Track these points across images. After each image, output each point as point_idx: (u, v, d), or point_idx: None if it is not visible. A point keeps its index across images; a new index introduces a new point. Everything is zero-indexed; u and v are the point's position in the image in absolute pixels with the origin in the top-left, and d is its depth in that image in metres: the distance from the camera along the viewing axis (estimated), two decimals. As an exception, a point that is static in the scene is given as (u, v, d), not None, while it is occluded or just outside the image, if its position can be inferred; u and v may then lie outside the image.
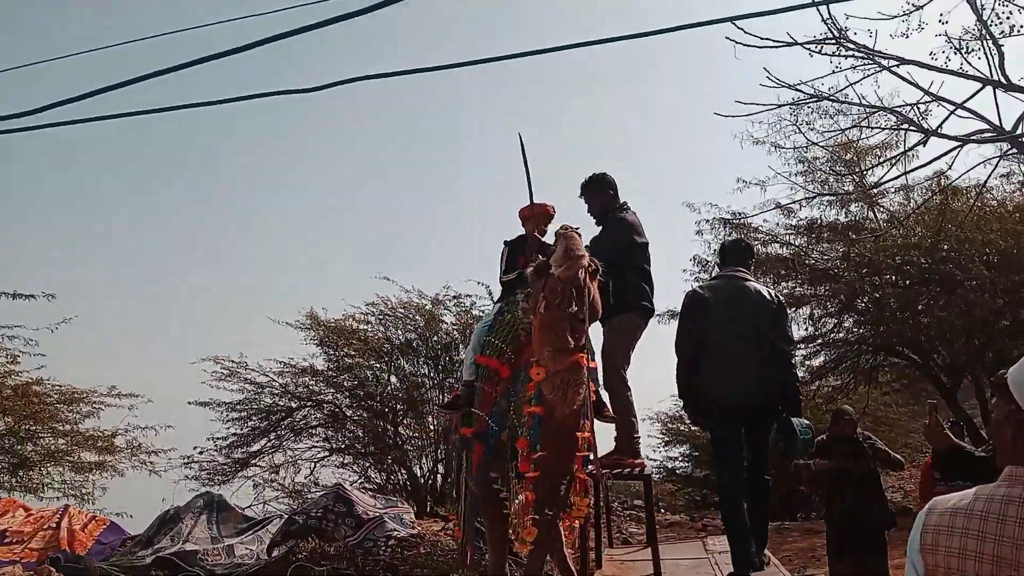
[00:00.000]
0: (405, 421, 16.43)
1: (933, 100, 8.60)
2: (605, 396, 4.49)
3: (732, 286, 4.84)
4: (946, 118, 8.72)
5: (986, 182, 9.83)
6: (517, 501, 3.91)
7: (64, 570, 8.87)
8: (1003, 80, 7.59)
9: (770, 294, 4.95)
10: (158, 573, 8.65)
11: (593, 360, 3.67)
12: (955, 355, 12.83)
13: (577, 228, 3.63)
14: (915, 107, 8.68)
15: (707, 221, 13.92)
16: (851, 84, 9.00)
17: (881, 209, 13.27)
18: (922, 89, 8.50)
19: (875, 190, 12.36)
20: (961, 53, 8.25)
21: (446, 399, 16.23)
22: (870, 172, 12.69)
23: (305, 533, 8.64)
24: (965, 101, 8.39)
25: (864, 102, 9.24)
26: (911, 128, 8.82)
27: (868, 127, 9.17)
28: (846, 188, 12.48)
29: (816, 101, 9.17)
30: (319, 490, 15.49)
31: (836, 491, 6.37)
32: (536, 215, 4.90)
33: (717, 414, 4.77)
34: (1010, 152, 8.92)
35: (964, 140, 8.48)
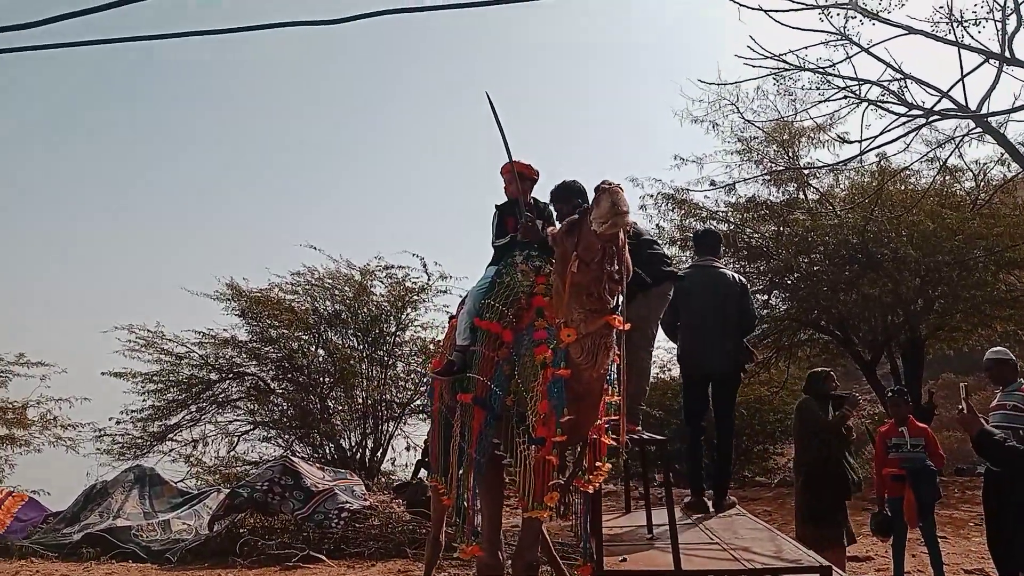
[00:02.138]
0: (333, 394, 16.08)
1: (906, 78, 8.82)
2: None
3: (705, 273, 5.77)
4: (938, 100, 8.72)
5: (945, 162, 10.21)
6: (528, 466, 3.81)
7: (-19, 548, 8.28)
8: (1008, 55, 7.74)
9: (735, 278, 5.87)
10: (88, 550, 8.16)
11: (627, 322, 3.55)
12: (876, 331, 13.43)
13: (619, 184, 3.48)
14: (901, 83, 8.88)
15: (651, 196, 14.08)
16: (840, 62, 9.01)
17: (813, 190, 13.71)
18: (897, 70, 8.66)
19: (807, 171, 12.77)
20: (962, 25, 8.35)
21: (375, 372, 16.08)
22: (808, 153, 13.09)
23: (249, 507, 8.31)
24: (964, 76, 8.39)
25: (844, 75, 9.25)
26: (891, 103, 8.98)
27: (855, 98, 9.16)
28: (778, 167, 12.82)
29: (798, 71, 9.24)
30: (240, 465, 15.08)
31: (835, 454, 6.23)
32: (520, 176, 4.76)
33: (691, 380, 5.75)
34: (974, 131, 9.26)
35: (928, 114, 8.65)
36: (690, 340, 5.67)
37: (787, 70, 9.21)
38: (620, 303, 3.43)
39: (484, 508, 4.31)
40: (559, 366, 3.52)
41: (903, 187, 12.38)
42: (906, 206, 11.44)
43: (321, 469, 9.22)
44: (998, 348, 6.30)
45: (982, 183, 12.03)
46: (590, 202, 3.38)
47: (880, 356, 13.93)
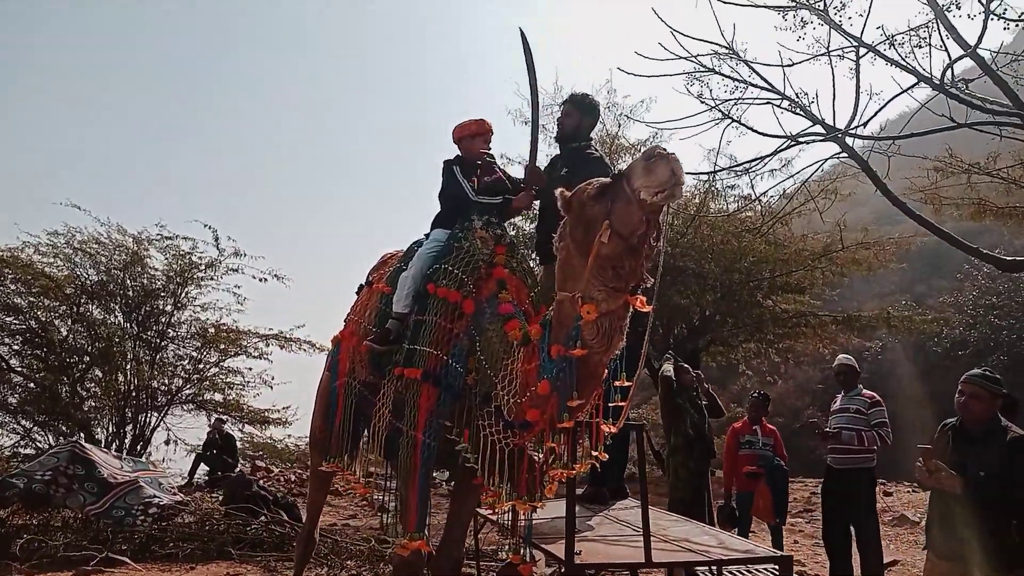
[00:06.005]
0: (90, 375, 14.07)
1: (784, 99, 9.18)
2: None
3: None
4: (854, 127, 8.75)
5: (806, 181, 10.81)
6: (503, 452, 3.42)
7: None
8: (938, 81, 8.26)
9: None
10: None
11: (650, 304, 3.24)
12: (665, 342, 14.36)
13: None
14: (815, 99, 9.20)
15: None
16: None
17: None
18: (780, 93, 8.97)
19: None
20: (894, 47, 8.64)
21: (143, 354, 14.25)
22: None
23: (25, 501, 6.87)
24: (890, 103, 8.68)
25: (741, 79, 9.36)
26: (797, 112, 9.25)
27: (722, 114, 9.26)
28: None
29: (709, 73, 9.30)
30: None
31: (690, 451, 6.41)
32: (484, 133, 4.37)
33: None
34: (839, 155, 9.94)
35: (793, 138, 9.13)
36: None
37: (702, 73, 9.32)
38: (654, 282, 3.12)
39: (410, 498, 3.81)
40: (571, 345, 3.13)
41: (713, 208, 13.32)
42: (713, 226, 12.37)
43: (119, 458, 7.85)
44: (846, 355, 6.89)
45: (767, 212, 13.18)
46: (629, 167, 3.07)
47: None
